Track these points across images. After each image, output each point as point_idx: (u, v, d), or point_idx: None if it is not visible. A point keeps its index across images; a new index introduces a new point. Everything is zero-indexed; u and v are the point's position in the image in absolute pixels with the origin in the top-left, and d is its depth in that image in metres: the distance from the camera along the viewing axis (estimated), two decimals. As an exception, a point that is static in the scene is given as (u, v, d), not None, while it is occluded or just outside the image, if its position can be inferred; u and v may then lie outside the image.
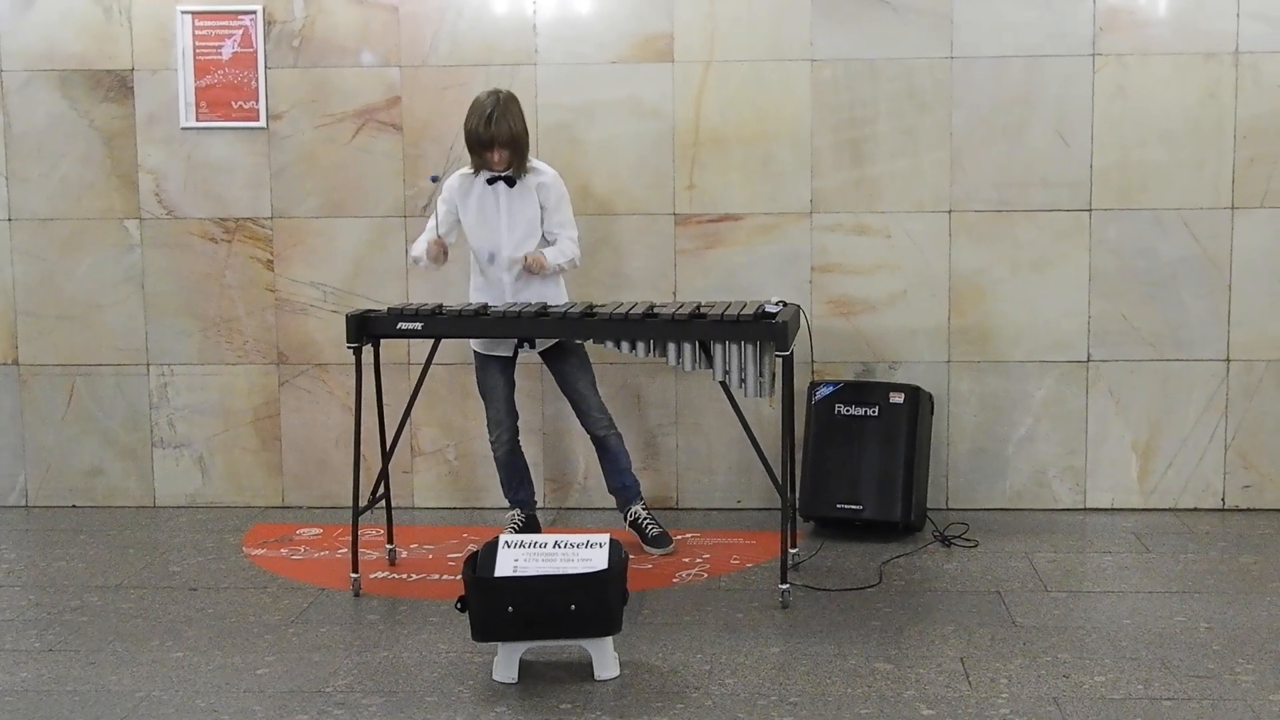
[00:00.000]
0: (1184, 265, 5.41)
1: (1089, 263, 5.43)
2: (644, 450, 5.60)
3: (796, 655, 4.01)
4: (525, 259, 4.89)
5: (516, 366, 5.13)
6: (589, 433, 5.13)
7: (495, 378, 5.08)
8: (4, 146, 5.69)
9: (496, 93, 4.89)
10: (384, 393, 4.94)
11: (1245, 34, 5.30)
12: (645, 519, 5.11)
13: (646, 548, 5.05)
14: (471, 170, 4.99)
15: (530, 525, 5.17)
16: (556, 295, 5.00)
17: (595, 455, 5.19)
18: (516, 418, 5.16)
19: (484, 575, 3.85)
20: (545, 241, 5.00)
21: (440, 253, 4.97)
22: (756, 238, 5.50)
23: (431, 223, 5.00)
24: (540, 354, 5.09)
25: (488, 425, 5.15)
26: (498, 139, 4.82)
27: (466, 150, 4.95)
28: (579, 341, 4.96)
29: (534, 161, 5.00)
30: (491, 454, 5.20)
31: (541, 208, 4.96)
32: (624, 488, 5.14)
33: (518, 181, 4.93)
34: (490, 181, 4.94)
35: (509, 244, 4.94)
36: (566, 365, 5.06)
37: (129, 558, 5.11)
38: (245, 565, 5.01)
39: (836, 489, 5.21)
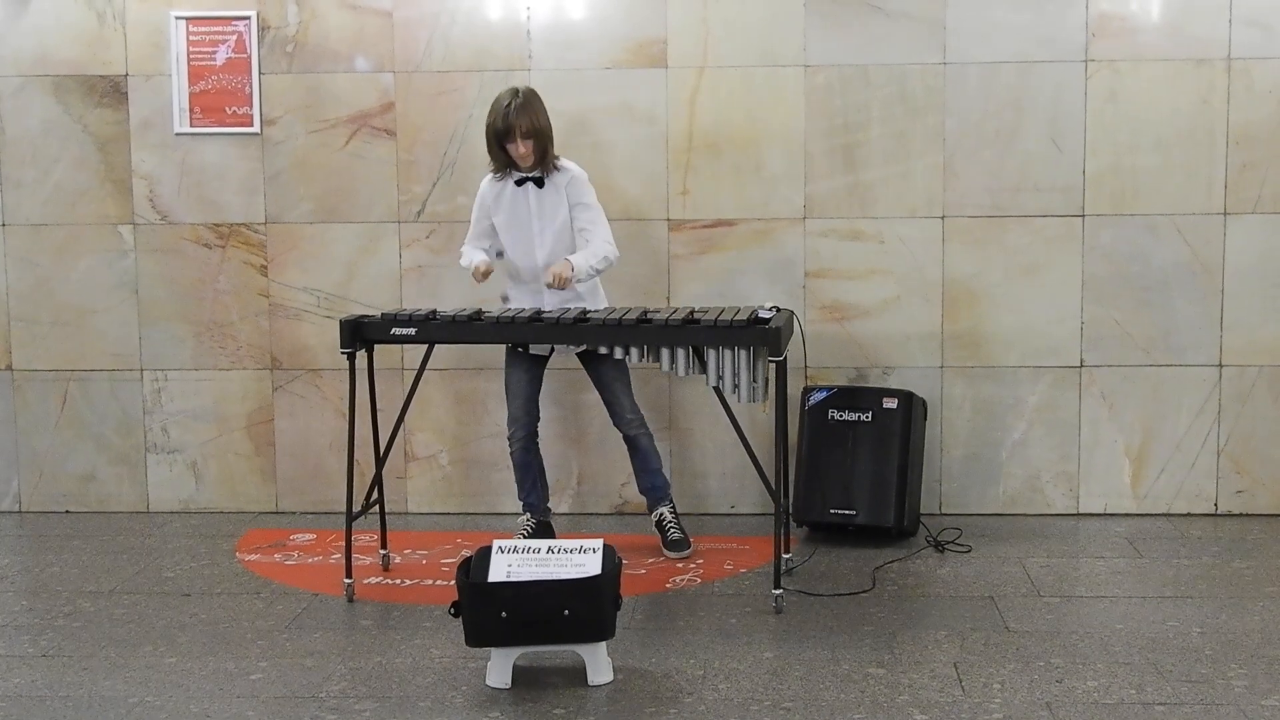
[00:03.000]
0: (1176, 271, 5.42)
1: (1082, 268, 5.44)
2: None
3: (790, 660, 4.01)
4: (551, 276, 4.75)
5: (546, 369, 5.10)
6: (621, 433, 5.10)
7: (519, 375, 5.05)
8: (-2, 152, 5.71)
9: (515, 89, 4.88)
10: (378, 398, 4.94)
11: (1237, 40, 5.31)
12: (669, 522, 5.09)
13: (665, 550, 5.04)
14: (496, 174, 4.95)
15: (540, 532, 5.11)
16: (594, 304, 4.94)
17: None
18: (536, 418, 5.11)
19: (477, 580, 3.85)
20: (582, 241, 4.91)
21: (484, 276, 4.92)
22: (750, 243, 5.51)
23: (471, 235, 5.03)
24: (577, 355, 5.02)
25: (507, 422, 5.11)
26: (518, 128, 4.78)
27: (488, 155, 4.91)
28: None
29: (562, 161, 4.96)
30: (508, 454, 5.14)
31: (570, 206, 4.91)
32: (653, 488, 5.12)
33: (547, 181, 4.90)
34: (519, 183, 4.92)
35: (542, 247, 4.91)
36: (602, 368, 5.01)
37: (122, 563, 5.10)
38: (239, 571, 5.01)
39: (830, 494, 5.21)
